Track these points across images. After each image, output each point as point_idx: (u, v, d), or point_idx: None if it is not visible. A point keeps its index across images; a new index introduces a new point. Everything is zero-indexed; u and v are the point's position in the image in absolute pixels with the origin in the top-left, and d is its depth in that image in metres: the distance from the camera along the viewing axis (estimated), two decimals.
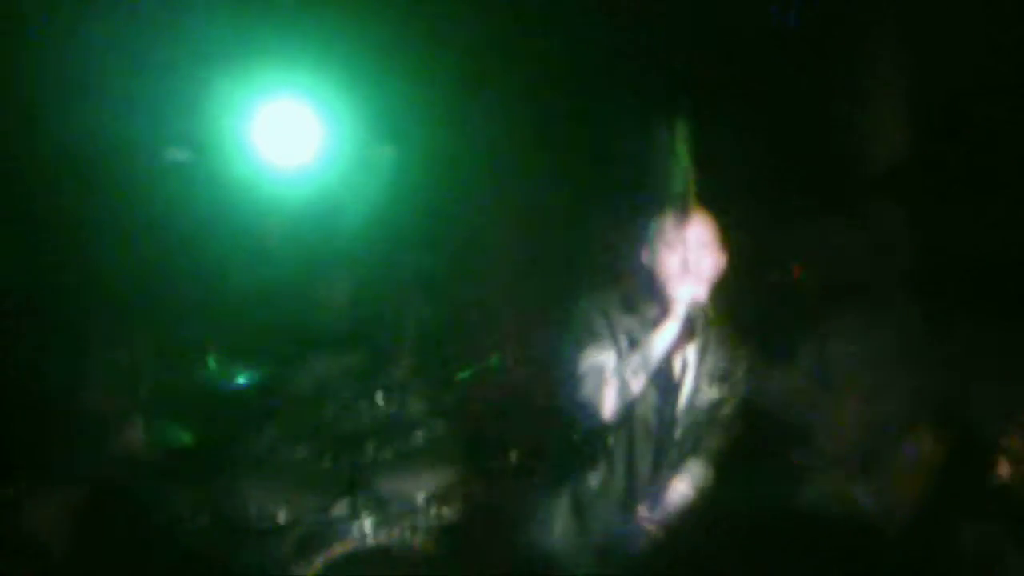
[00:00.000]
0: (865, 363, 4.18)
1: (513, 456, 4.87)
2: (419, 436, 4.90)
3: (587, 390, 3.40)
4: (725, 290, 3.71)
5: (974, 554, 3.87)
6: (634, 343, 3.42)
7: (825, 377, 4.20)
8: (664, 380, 3.46)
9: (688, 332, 3.42)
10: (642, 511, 3.46)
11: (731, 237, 3.66)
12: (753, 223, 5.18)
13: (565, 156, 5.44)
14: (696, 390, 3.52)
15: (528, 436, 4.84)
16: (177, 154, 5.06)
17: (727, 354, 3.58)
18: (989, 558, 3.85)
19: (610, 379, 3.38)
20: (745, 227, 5.12)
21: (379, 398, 4.87)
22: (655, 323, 3.43)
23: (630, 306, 3.50)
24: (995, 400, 4.14)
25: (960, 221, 4.44)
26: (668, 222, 3.46)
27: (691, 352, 3.50)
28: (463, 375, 5.13)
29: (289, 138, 5.01)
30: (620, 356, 3.42)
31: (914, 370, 4.17)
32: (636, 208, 3.64)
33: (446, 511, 4.73)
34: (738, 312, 4.48)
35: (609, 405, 3.38)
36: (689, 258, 3.38)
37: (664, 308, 3.43)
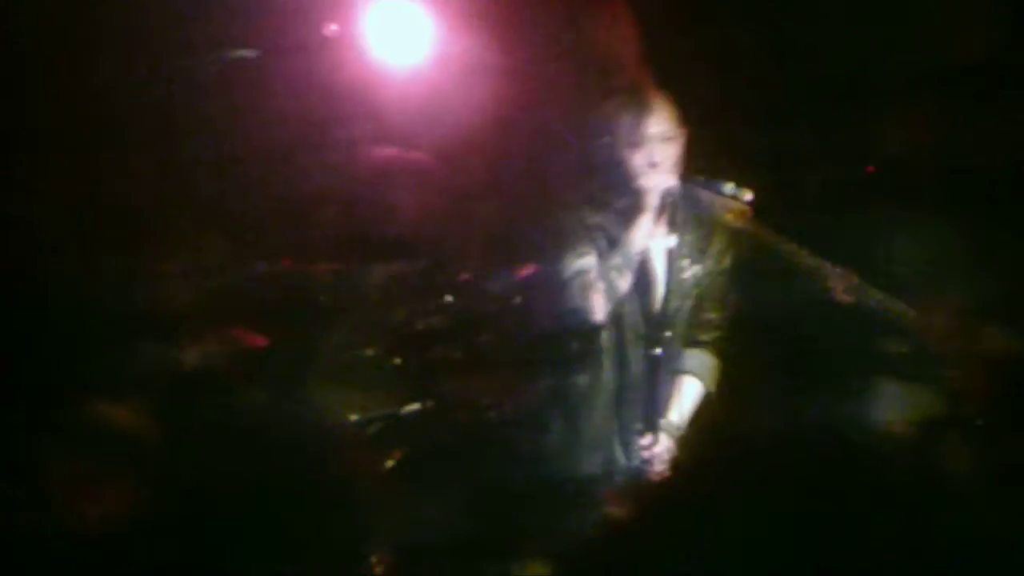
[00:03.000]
0: (919, 261, 4.12)
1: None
2: (486, 337, 4.93)
3: (575, 295, 3.38)
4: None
5: None
6: (611, 241, 3.38)
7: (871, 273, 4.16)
8: (647, 274, 3.42)
9: (664, 223, 3.35)
10: (642, 438, 3.43)
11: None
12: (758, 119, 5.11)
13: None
14: (678, 269, 3.48)
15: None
16: (243, 54, 5.04)
17: (703, 233, 3.52)
18: None
19: (595, 282, 3.34)
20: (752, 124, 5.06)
21: (446, 299, 4.90)
22: (629, 218, 3.36)
23: (601, 203, 3.45)
24: None
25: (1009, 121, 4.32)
26: (628, 118, 3.37)
27: (670, 240, 3.44)
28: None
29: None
30: (600, 256, 3.38)
31: (970, 271, 4.11)
32: (596, 104, 3.57)
33: (513, 412, 4.78)
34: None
35: (599, 308, 3.35)
36: (655, 153, 3.32)
37: (636, 202, 3.36)
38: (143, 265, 4.63)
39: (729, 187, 3.76)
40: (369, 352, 4.79)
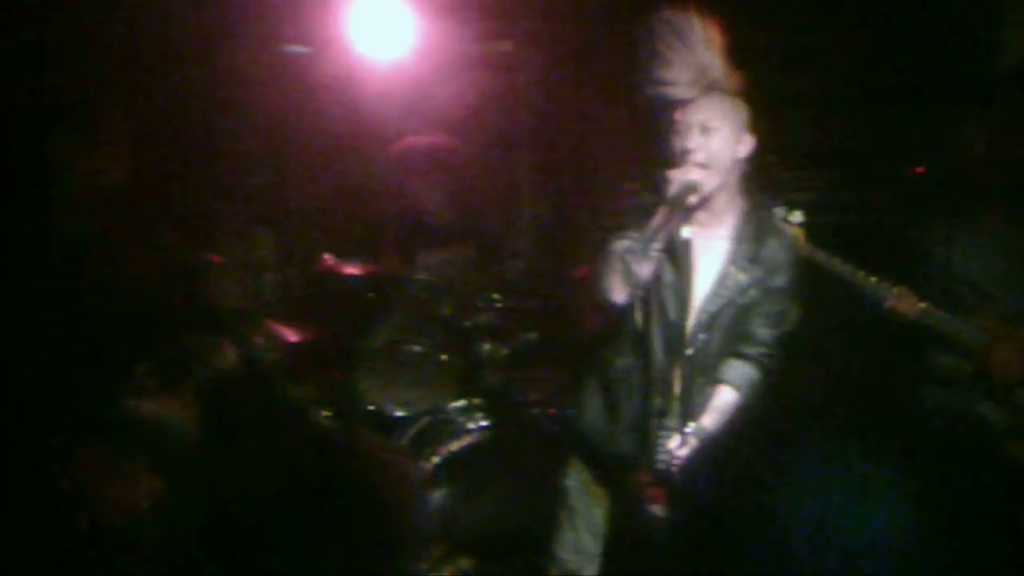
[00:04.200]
0: (989, 267, 4.04)
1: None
2: (533, 333, 4.91)
3: (601, 275, 3.43)
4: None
5: None
6: (653, 227, 3.40)
7: (946, 280, 4.08)
8: (681, 265, 3.44)
9: (682, 216, 3.35)
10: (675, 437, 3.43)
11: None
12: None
13: None
14: (724, 275, 3.47)
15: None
16: (293, 49, 5.07)
17: (762, 239, 3.50)
18: None
19: (616, 264, 3.37)
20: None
21: (494, 295, 4.89)
22: (672, 209, 3.37)
23: (655, 189, 3.48)
24: None
25: None
26: (672, 107, 3.40)
27: (720, 238, 3.44)
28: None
29: (395, 33, 4.96)
30: (639, 241, 3.40)
31: None
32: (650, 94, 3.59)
33: (559, 408, 4.77)
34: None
35: (617, 290, 3.37)
36: (687, 143, 3.33)
37: (663, 191, 3.39)
38: (192, 259, 4.66)
39: (778, 211, 3.75)
40: (417, 348, 4.79)
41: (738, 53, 3.45)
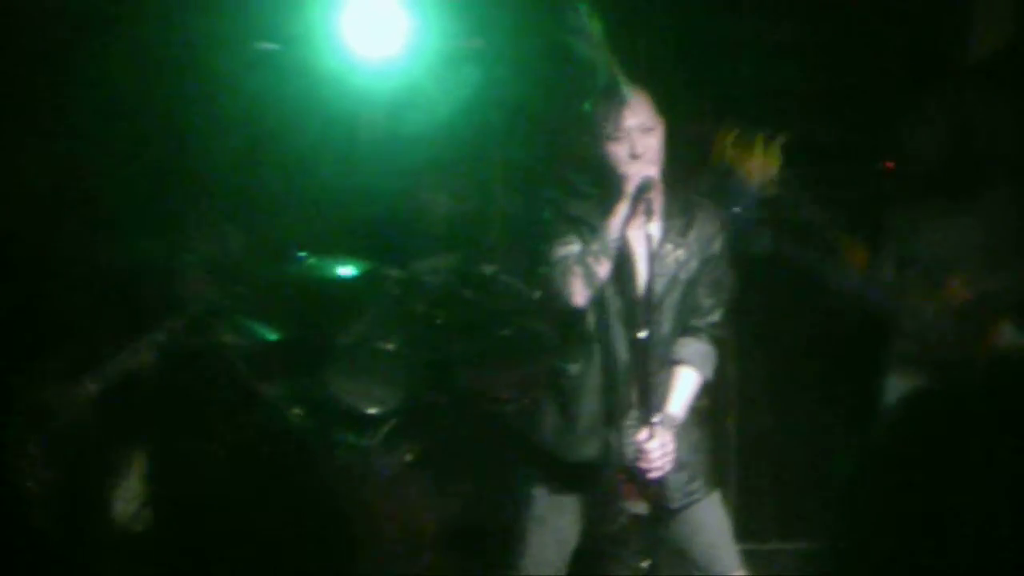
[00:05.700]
0: (947, 253, 4.09)
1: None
2: (506, 332, 4.91)
3: (556, 282, 3.45)
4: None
5: None
6: (592, 229, 3.44)
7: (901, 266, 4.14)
8: (627, 259, 3.50)
9: (643, 211, 3.42)
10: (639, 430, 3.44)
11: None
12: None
13: None
14: (662, 254, 3.53)
15: None
16: (265, 46, 5.04)
17: (689, 212, 3.56)
18: None
19: (574, 267, 3.39)
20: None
21: (467, 294, 4.89)
22: (609, 206, 3.46)
23: (581, 194, 3.54)
24: None
25: None
26: (604, 112, 3.46)
27: (655, 227, 3.49)
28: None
29: (377, 30, 4.95)
30: (583, 244, 3.46)
31: (996, 263, 4.07)
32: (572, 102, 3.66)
33: (529, 407, 4.76)
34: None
35: (579, 293, 3.43)
36: (636, 145, 3.36)
37: (615, 190, 3.43)
38: (164, 255, 4.65)
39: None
40: (389, 345, 4.78)
41: (706, 47, 3.50)
